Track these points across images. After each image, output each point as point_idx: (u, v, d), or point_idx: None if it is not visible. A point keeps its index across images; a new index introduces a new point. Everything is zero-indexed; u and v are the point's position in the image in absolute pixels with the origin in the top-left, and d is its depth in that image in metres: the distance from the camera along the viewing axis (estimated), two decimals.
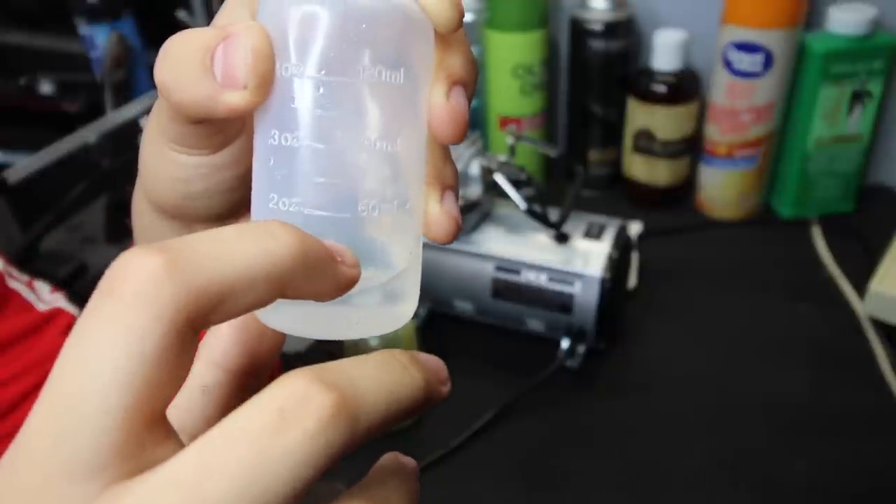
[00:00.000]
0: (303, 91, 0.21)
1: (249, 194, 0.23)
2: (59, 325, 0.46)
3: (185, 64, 0.21)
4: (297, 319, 0.22)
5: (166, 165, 0.25)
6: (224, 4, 0.23)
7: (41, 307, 0.46)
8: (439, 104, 0.22)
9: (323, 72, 0.20)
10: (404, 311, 0.24)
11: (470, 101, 0.23)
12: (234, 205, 0.27)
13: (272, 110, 0.21)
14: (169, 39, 0.22)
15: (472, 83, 0.23)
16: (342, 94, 0.21)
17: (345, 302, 0.21)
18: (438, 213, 0.23)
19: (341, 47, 0.20)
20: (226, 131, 0.24)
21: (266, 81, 0.20)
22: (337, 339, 0.23)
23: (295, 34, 0.21)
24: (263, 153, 0.22)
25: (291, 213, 0.21)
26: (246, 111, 0.21)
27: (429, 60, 0.22)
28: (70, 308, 0.48)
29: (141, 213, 0.30)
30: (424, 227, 0.24)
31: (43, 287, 0.48)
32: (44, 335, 0.45)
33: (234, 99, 0.20)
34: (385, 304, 0.23)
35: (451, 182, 0.24)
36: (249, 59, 0.20)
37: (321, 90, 0.21)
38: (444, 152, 0.24)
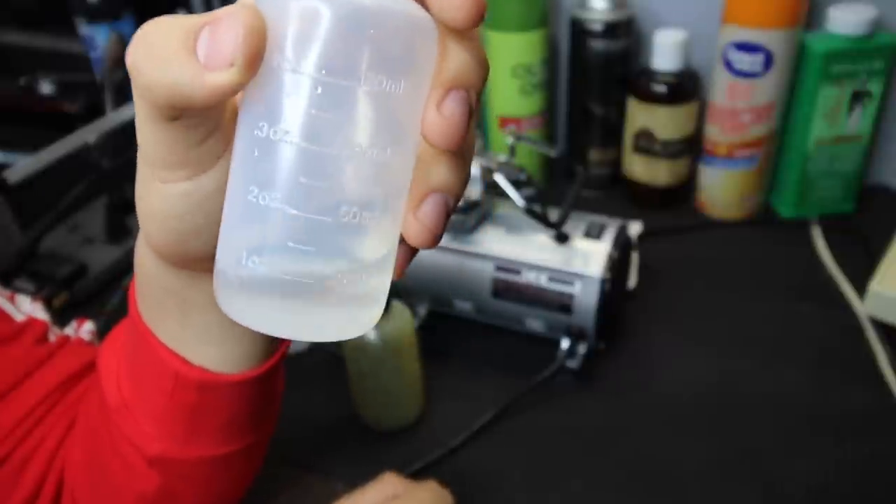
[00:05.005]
0: (299, 88, 0.20)
1: None
2: (33, 333, 0.48)
3: (163, 45, 0.20)
4: (264, 317, 0.22)
5: (158, 203, 0.24)
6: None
7: (19, 318, 0.48)
8: (432, 114, 0.21)
9: (323, 72, 0.20)
10: (371, 315, 0.23)
11: (477, 101, 0.22)
12: None
13: (264, 102, 0.20)
14: (145, 24, 0.21)
15: (478, 83, 0.22)
16: (339, 98, 0.20)
17: (311, 299, 0.21)
18: (414, 220, 0.23)
19: (345, 50, 0.20)
20: (208, 140, 0.23)
21: (255, 59, 0.19)
22: (304, 339, 0.23)
23: (297, 29, 0.20)
24: (248, 143, 0.21)
25: (271, 209, 0.21)
26: (230, 92, 0.20)
27: (431, 66, 0.21)
28: (44, 316, 0.50)
29: (143, 264, 0.30)
30: (403, 230, 0.23)
31: (23, 300, 0.51)
32: (19, 343, 0.47)
33: (219, 78, 0.19)
34: (352, 305, 0.23)
35: (439, 185, 0.23)
36: (241, 34, 0.19)
37: (319, 90, 0.20)
38: (439, 154, 0.23)
